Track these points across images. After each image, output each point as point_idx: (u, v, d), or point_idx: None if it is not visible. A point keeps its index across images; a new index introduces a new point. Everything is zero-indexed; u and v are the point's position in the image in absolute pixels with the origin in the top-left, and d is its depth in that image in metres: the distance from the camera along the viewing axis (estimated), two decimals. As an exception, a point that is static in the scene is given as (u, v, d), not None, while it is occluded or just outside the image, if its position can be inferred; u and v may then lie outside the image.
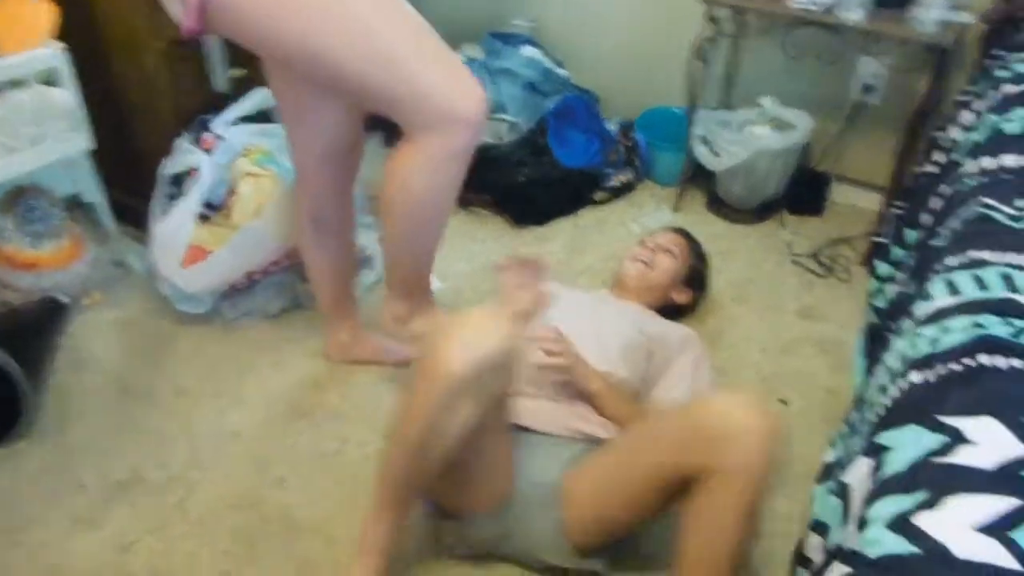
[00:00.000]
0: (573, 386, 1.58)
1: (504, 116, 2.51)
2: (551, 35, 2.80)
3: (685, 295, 1.96)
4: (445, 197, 1.42)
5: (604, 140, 2.58)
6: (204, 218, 1.98)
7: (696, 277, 2.00)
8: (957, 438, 0.84)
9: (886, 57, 2.30)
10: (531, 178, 2.37)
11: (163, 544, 1.52)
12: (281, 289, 2.06)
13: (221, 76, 2.16)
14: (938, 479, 0.80)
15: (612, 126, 2.66)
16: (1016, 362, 0.95)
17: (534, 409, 1.54)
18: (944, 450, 0.83)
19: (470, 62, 2.68)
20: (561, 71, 2.68)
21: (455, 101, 1.31)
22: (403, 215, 1.43)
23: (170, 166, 2.05)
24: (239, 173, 1.99)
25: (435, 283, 2.15)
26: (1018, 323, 1.02)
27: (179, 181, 2.03)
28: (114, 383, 1.86)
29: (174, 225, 1.93)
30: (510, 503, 1.40)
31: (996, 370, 0.95)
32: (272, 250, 1.96)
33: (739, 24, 2.46)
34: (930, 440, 0.86)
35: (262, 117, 2.15)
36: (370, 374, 1.89)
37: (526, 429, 1.50)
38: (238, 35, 1.35)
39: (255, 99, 2.11)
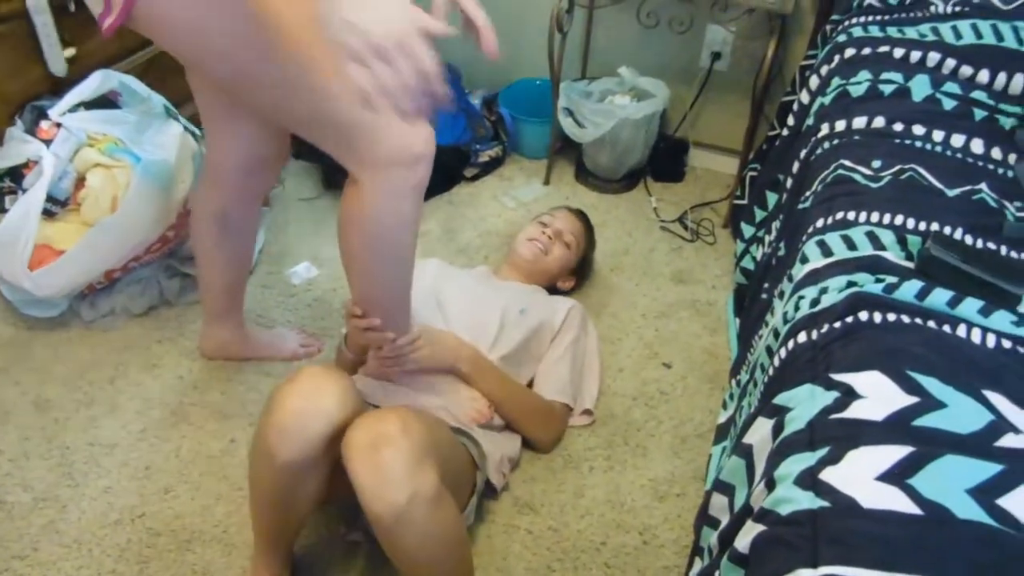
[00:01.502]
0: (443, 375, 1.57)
1: (367, 93, 2.44)
2: (407, 8, 2.74)
3: (570, 283, 2.02)
4: (408, 232, 1.32)
5: (470, 115, 2.56)
6: (49, 214, 1.82)
7: (583, 267, 2.06)
8: (849, 393, 0.91)
9: (733, 24, 2.40)
10: (400, 156, 2.33)
11: (36, 570, 1.41)
12: (145, 286, 1.94)
13: (57, 57, 1.98)
14: (837, 434, 0.86)
15: (476, 100, 2.64)
16: (891, 315, 1.03)
17: (395, 397, 1.52)
18: (838, 406, 0.89)
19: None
20: (420, 45, 2.63)
21: (407, 135, 1.21)
22: (369, 261, 1.34)
23: (2, 159, 1.87)
24: (86, 164, 1.85)
25: (311, 270, 2.10)
26: (888, 278, 1.10)
27: (15, 175, 1.86)
28: (-40, 402, 1.70)
29: (15, 223, 1.77)
30: None
31: (873, 324, 1.02)
32: (132, 246, 1.83)
33: (594, -6, 2.49)
34: (824, 397, 0.92)
35: (104, 102, 2.00)
36: (250, 370, 1.81)
37: None
38: (170, 48, 1.18)
39: (95, 82, 1.96)
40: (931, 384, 0.90)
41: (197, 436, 1.66)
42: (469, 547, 1.32)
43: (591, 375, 1.80)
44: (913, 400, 0.88)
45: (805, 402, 0.93)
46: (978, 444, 0.83)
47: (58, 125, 1.87)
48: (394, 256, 1.34)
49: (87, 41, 2.09)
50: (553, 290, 1.96)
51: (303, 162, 2.51)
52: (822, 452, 0.84)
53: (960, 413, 0.86)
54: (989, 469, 0.79)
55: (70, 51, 2.04)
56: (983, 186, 1.33)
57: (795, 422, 0.91)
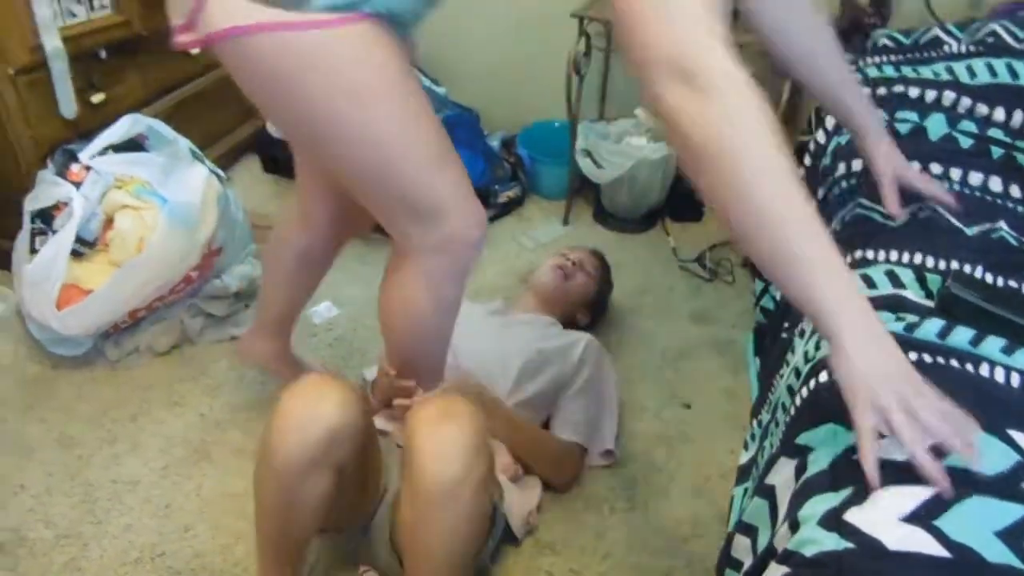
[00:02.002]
0: None
1: (388, 135, 2.48)
2: (424, 52, 2.79)
3: (587, 317, 2.02)
4: (450, 314, 1.35)
5: (488, 157, 2.59)
6: (77, 255, 1.86)
7: (601, 302, 2.08)
8: (872, 433, 0.90)
9: (749, 66, 2.42)
10: (420, 197, 2.36)
11: (58, 610, 1.41)
12: (169, 325, 1.96)
13: (69, 102, 2.03)
14: (860, 475, 0.85)
15: (494, 142, 2.68)
16: (912, 354, 1.02)
17: None
18: None
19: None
20: (439, 89, 2.68)
21: (465, 224, 1.22)
22: (407, 335, 1.36)
23: (34, 201, 1.91)
24: (114, 206, 1.89)
25: (331, 309, 2.12)
26: (909, 317, 1.10)
27: (46, 216, 1.90)
28: (-15, 439, 1.72)
29: (44, 264, 1.81)
30: (373, 519, 1.40)
31: (896, 364, 1.01)
32: (157, 286, 1.86)
33: (610, 38, 2.53)
34: (846, 437, 0.91)
35: (132, 145, 2.04)
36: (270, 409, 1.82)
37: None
38: (245, 91, 1.14)
39: (124, 126, 2.01)
40: (955, 424, 0.89)
41: (218, 475, 1.67)
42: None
43: (608, 414, 1.79)
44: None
45: (828, 442, 0.92)
46: (1005, 485, 0.82)
47: (87, 168, 1.91)
48: (433, 334, 1.36)
49: (116, 86, 2.16)
50: (570, 323, 1.97)
51: (325, 203, 2.55)
52: (846, 493, 0.83)
53: (985, 453, 0.86)
54: (1017, 511, 0.78)
55: (99, 96, 2.10)
56: (1002, 224, 1.33)
57: (818, 463, 0.90)
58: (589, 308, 2.03)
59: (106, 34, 2.06)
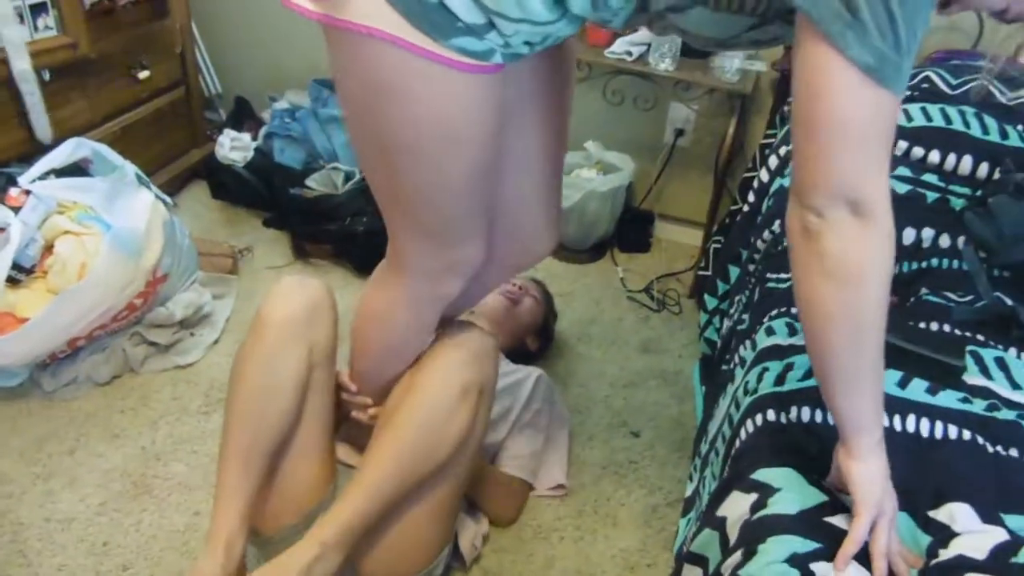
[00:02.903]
0: None
1: (338, 165, 2.48)
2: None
3: (536, 343, 2.03)
4: (420, 333, 1.37)
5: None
6: (14, 281, 1.80)
7: (548, 328, 2.10)
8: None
9: (695, 103, 2.49)
10: (370, 227, 2.35)
11: (-15, 654, 1.35)
12: (110, 354, 1.91)
13: (43, 125, 2.00)
14: (828, 535, 0.89)
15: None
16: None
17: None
18: (829, 508, 0.92)
19: (296, 110, 2.63)
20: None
21: (469, 255, 1.25)
22: (375, 345, 1.39)
23: (-33, 225, 1.85)
24: (55, 231, 1.84)
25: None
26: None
27: (-21, 242, 1.84)
28: (-90, 474, 1.64)
29: (-24, 292, 1.74)
30: (311, 521, 1.36)
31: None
32: (99, 313, 1.80)
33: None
34: (813, 491, 0.95)
35: (75, 169, 2.00)
36: (216, 442, 1.77)
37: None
38: (340, 87, 1.10)
39: (67, 150, 1.96)
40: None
41: (159, 509, 1.62)
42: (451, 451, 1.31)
43: (557, 448, 1.79)
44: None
45: (792, 487, 0.95)
46: None
47: (27, 192, 1.86)
48: (399, 351, 1.39)
49: (60, 109, 2.11)
50: (520, 350, 1.98)
51: (272, 230, 2.53)
52: (813, 545, 0.87)
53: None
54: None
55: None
56: (923, 290, 1.40)
57: (783, 506, 0.93)
58: (538, 334, 2.04)
59: (50, 56, 2.02)
